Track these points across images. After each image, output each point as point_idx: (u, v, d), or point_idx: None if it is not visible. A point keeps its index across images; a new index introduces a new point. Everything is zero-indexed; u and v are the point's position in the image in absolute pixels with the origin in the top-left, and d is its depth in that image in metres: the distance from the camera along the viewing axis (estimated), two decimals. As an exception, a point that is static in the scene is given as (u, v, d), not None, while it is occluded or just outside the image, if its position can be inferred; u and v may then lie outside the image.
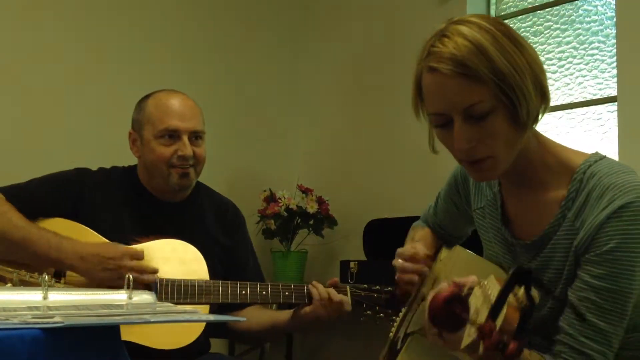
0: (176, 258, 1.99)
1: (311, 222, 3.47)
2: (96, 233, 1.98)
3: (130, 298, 1.21)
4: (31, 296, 1.15)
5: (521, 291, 0.87)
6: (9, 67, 2.99)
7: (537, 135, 1.34)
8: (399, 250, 1.59)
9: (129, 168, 2.16)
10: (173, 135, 2.05)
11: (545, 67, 1.30)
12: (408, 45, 3.37)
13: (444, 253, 1.63)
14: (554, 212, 1.31)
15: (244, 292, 1.98)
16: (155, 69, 3.37)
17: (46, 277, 1.21)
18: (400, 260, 1.56)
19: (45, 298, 1.14)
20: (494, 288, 1.00)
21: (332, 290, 1.96)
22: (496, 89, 1.20)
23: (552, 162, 1.33)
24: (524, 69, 1.22)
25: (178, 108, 2.07)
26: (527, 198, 1.36)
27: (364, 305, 2.05)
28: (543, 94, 1.25)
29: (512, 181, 1.38)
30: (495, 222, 1.44)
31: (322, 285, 1.98)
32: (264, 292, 1.99)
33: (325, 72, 3.86)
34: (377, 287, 2.07)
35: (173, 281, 1.93)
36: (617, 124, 2.72)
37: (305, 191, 3.52)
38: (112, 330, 1.06)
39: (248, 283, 1.99)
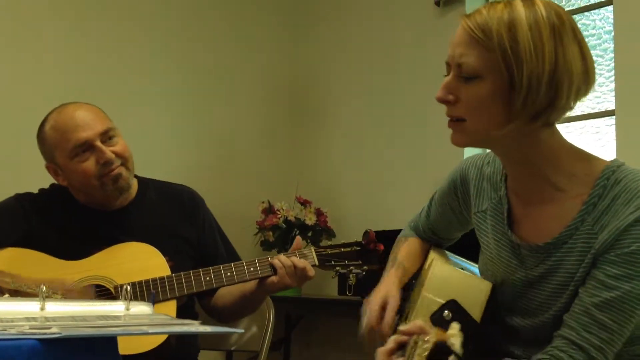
0: (131, 260, 1.94)
1: (309, 234, 3.47)
2: (52, 257, 1.93)
3: (127, 309, 1.21)
4: (28, 307, 1.15)
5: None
6: None
7: (555, 139, 1.31)
8: (364, 328, 1.55)
9: (64, 186, 2.07)
10: (85, 147, 1.95)
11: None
12: (408, 49, 3.40)
13: (427, 261, 1.63)
14: (571, 215, 1.29)
15: (207, 278, 1.93)
16: (154, 77, 3.38)
17: (44, 288, 1.20)
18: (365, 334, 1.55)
19: (42, 309, 1.13)
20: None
21: (295, 259, 1.94)
22: (501, 62, 1.20)
23: (571, 166, 1.31)
24: (548, 57, 1.20)
25: (76, 119, 1.97)
26: (541, 202, 1.34)
27: (333, 262, 2.02)
28: (555, 94, 1.21)
29: (527, 183, 1.36)
30: (500, 225, 1.42)
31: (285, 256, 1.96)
32: (228, 274, 1.94)
33: (325, 82, 3.87)
34: (342, 242, 2.06)
35: (133, 284, 1.88)
36: (615, 138, 2.72)
37: (304, 203, 3.52)
38: (110, 341, 1.06)
39: (211, 268, 1.94)
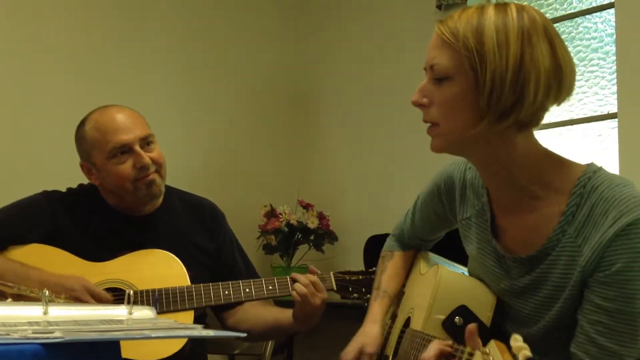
0: (153, 267, 1.96)
1: (312, 238, 3.47)
2: (75, 256, 1.95)
3: (130, 313, 1.21)
4: (31, 311, 1.15)
5: None
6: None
7: (531, 145, 1.30)
8: None
9: (92, 187, 2.09)
10: (124, 150, 1.98)
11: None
12: (410, 53, 3.40)
13: (424, 266, 1.62)
14: (552, 226, 1.28)
15: (226, 292, 1.95)
16: (153, 80, 3.39)
17: (46, 292, 1.21)
18: None
19: (45, 313, 1.14)
20: None
21: (312, 277, 1.94)
22: (466, 63, 1.23)
23: (548, 174, 1.29)
24: (512, 55, 1.21)
25: (118, 122, 2.00)
26: (521, 211, 1.32)
27: (350, 289, 2.03)
28: (522, 91, 1.21)
29: (503, 193, 1.35)
30: (485, 234, 1.41)
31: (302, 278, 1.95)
32: (247, 290, 1.96)
33: (326, 86, 3.87)
34: (361, 269, 2.07)
35: (153, 291, 1.90)
36: (617, 141, 2.72)
37: (306, 206, 3.52)
38: (112, 345, 1.06)
39: (230, 282, 1.96)
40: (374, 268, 2.05)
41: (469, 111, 1.25)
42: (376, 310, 1.66)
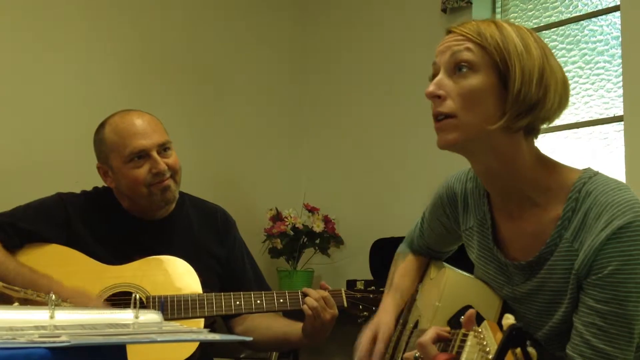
0: (166, 274, 1.98)
1: (317, 241, 3.47)
2: (90, 258, 1.97)
3: (136, 317, 1.21)
4: (38, 315, 1.15)
5: (518, 350, 0.87)
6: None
7: (533, 152, 1.32)
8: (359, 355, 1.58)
9: (107, 190, 2.12)
10: (141, 155, 2.01)
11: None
12: (414, 56, 3.40)
13: (434, 272, 1.63)
14: (549, 232, 1.29)
15: (237, 302, 1.97)
16: (155, 81, 3.39)
17: (53, 296, 1.21)
18: None
19: (52, 317, 1.14)
20: (489, 339, 0.98)
21: (323, 292, 1.96)
22: (496, 56, 1.25)
23: (546, 180, 1.31)
24: (536, 59, 1.26)
25: (137, 127, 2.03)
26: (521, 218, 1.34)
27: (360, 307, 2.04)
28: (545, 93, 1.26)
29: (504, 200, 1.36)
30: (487, 242, 1.42)
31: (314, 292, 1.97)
32: (258, 301, 1.98)
33: (331, 89, 3.87)
34: (372, 287, 2.06)
35: (165, 297, 1.92)
36: (623, 143, 2.72)
37: (312, 210, 3.52)
38: (119, 349, 1.06)
39: (242, 293, 1.98)
40: (382, 289, 2.06)
41: (492, 105, 1.26)
42: (388, 302, 1.66)
